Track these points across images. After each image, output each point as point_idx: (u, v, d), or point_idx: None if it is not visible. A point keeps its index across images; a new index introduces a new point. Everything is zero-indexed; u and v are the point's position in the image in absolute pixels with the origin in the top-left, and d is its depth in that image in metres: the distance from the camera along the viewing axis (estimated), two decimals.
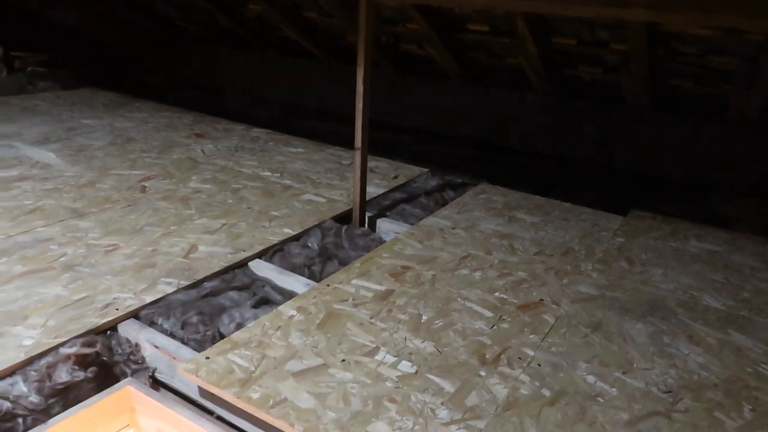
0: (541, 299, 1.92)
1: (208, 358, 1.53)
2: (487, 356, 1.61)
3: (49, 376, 1.47)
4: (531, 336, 1.72)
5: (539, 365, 1.58)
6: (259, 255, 2.16)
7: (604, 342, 1.70)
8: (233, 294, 1.90)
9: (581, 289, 2.00)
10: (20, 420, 1.38)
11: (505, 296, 1.93)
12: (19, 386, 1.43)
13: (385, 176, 3.05)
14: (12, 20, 4.31)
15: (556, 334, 1.73)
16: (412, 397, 1.43)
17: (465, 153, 3.73)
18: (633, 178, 3.33)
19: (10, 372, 1.46)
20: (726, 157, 3.11)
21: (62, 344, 1.56)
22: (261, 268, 2.09)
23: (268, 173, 2.98)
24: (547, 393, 1.47)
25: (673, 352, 1.66)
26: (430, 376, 1.51)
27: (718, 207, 2.99)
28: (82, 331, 1.61)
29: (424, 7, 3.00)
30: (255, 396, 1.40)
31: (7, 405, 1.38)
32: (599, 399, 1.46)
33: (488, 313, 1.82)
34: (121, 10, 4.89)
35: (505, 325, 1.76)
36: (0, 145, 3.12)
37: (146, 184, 2.72)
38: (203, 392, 1.51)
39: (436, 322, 1.77)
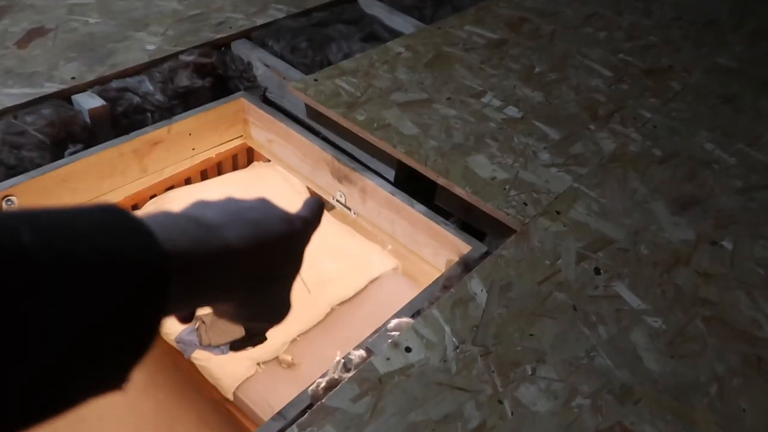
0: (670, 65, 1.75)
1: (316, 80, 1.55)
2: (599, 112, 1.53)
3: (171, 79, 1.55)
4: (651, 99, 1.60)
5: (655, 127, 1.49)
6: None
7: (734, 114, 1.56)
8: (341, 26, 1.85)
9: (720, 60, 1.79)
10: (148, 114, 1.51)
11: (629, 58, 1.76)
12: (146, 84, 1.53)
13: None
14: None
15: (680, 101, 1.59)
16: (515, 139, 1.42)
17: None
18: None
19: (138, 71, 1.56)
20: None
21: (181, 52, 1.62)
22: (370, 5, 2.00)
23: None
24: (658, 152, 1.41)
25: None
26: (536, 123, 1.47)
27: None
28: (198, 44, 1.66)
29: None
30: (360, 118, 1.43)
31: (137, 99, 1.50)
32: (714, 165, 1.39)
33: (608, 73, 1.69)
34: None
35: (624, 86, 1.64)
36: None
37: None
38: (311, 112, 1.56)
39: (550, 74, 1.67)
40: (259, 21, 1.80)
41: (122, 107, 1.47)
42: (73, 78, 1.48)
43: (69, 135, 1.38)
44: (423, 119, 1.45)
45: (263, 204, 0.48)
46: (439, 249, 1.27)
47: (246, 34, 1.76)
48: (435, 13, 2.02)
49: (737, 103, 1.60)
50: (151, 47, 1.63)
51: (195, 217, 0.41)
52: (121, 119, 1.47)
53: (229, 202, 0.46)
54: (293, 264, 0.50)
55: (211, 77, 1.61)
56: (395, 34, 1.88)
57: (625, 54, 1.79)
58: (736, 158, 1.41)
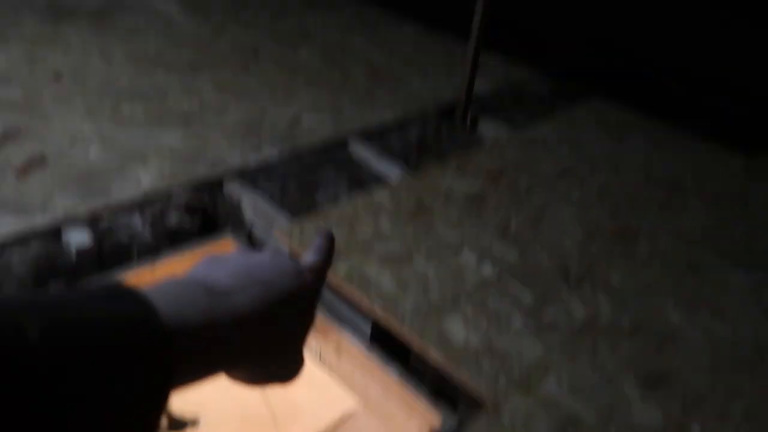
0: (638, 228, 1.85)
1: (302, 225, 1.61)
2: (571, 275, 1.60)
3: (161, 218, 1.60)
4: (621, 264, 1.67)
5: (624, 294, 1.55)
6: (359, 135, 2.18)
7: (699, 284, 1.63)
8: (330, 169, 1.95)
9: (684, 226, 1.90)
10: (134, 252, 1.54)
11: (600, 218, 1.87)
12: (136, 222, 1.58)
13: (495, 75, 2.92)
14: None
15: (648, 267, 1.67)
16: (490, 299, 1.46)
17: (584, 61, 3.47)
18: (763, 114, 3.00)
19: (130, 207, 1.61)
20: None
21: (175, 191, 1.68)
22: (359, 150, 2.12)
23: (377, 54, 2.92)
24: (627, 323, 1.46)
25: None
26: (511, 285, 1.53)
27: None
28: (193, 181, 1.73)
29: None
30: (341, 269, 1.48)
31: (125, 237, 1.54)
32: (680, 341, 1.43)
33: (580, 233, 1.78)
34: None
35: (594, 249, 1.72)
36: None
37: (259, 48, 2.75)
38: (293, 256, 1.61)
39: (525, 231, 1.75)
40: (253, 160, 1.90)
41: (110, 244, 1.51)
42: (65, 212, 1.52)
43: (53, 271, 1.40)
44: (402, 275, 1.50)
45: (274, 259, 0.47)
46: (410, 417, 1.27)
47: (238, 174, 1.84)
48: (419, 160, 2.14)
49: (702, 272, 1.68)
50: (146, 183, 1.69)
51: (204, 283, 0.41)
52: (107, 256, 1.50)
53: (240, 258, 0.46)
54: (305, 319, 0.49)
55: (200, 216, 1.67)
56: (381, 179, 1.98)
57: (596, 213, 1.89)
58: (702, 332, 1.46)
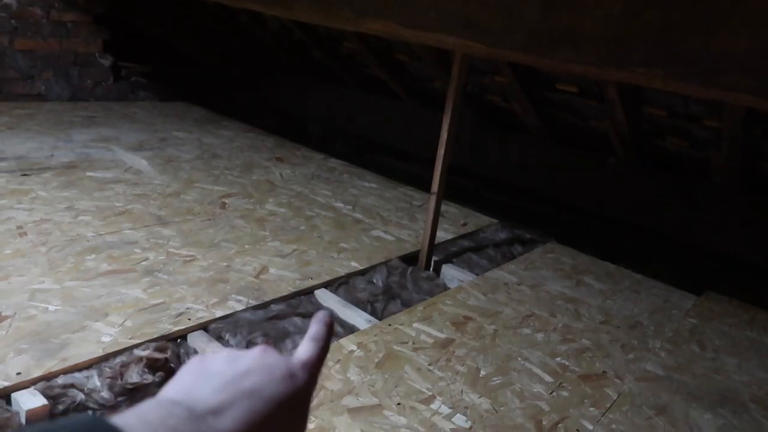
0: (604, 371, 1.87)
1: None
2: (544, 423, 1.58)
3: (122, 375, 1.54)
4: (591, 408, 1.67)
5: None
6: (326, 285, 2.21)
7: (669, 427, 1.63)
8: (297, 320, 1.95)
9: (647, 367, 1.93)
10: (90, 413, 1.45)
11: (566, 362, 1.89)
12: (94, 380, 1.51)
13: (454, 222, 3.07)
14: (120, 34, 4.66)
15: (617, 411, 1.67)
16: None
17: (537, 209, 3.70)
18: (711, 258, 3.20)
19: (88, 365, 1.55)
20: None
21: (137, 346, 1.64)
22: (326, 298, 2.13)
23: (341, 204, 3.05)
24: None
25: None
26: None
27: None
28: (155, 336, 1.70)
29: (516, 63, 3.04)
30: (310, 426, 1.42)
31: (81, 396, 1.46)
32: None
33: (548, 378, 1.79)
34: (222, 35, 5.20)
35: (564, 393, 1.72)
36: (100, 148, 3.35)
37: (226, 200, 2.85)
38: None
39: (495, 378, 1.75)
40: (218, 312, 1.88)
41: (64, 405, 1.43)
42: (18, 373, 1.45)
43: None
44: (373, 428, 1.45)
45: (263, 360, 0.45)
46: None
47: (204, 326, 1.82)
48: (386, 307, 2.16)
49: (669, 415, 1.69)
50: (106, 339, 1.65)
51: (188, 403, 0.40)
52: (59, 418, 1.41)
53: (227, 367, 0.44)
54: (297, 422, 0.46)
55: (162, 372, 1.61)
56: (348, 328, 1.98)
57: (562, 357, 1.91)
58: None
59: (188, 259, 2.20)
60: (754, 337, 2.25)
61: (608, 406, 1.69)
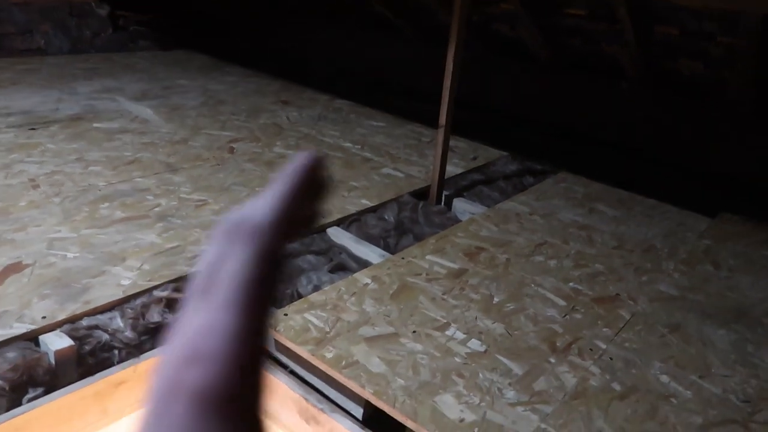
0: (617, 294, 1.88)
1: (286, 314, 1.60)
2: (557, 344, 1.60)
3: (143, 315, 1.58)
4: (604, 329, 1.69)
5: (611, 359, 1.56)
6: (337, 223, 2.22)
7: (682, 344, 1.65)
8: (311, 257, 1.97)
9: (661, 288, 1.94)
10: (116, 352, 1.50)
11: (579, 287, 1.90)
12: (117, 321, 1.55)
13: (464, 156, 3.04)
14: None
15: (631, 330, 1.69)
16: (480, 375, 1.45)
17: (548, 139, 3.65)
18: (724, 181, 3.16)
19: (110, 307, 1.59)
20: None
21: (156, 287, 1.67)
22: (338, 236, 2.15)
23: (349, 144, 3.03)
24: (617, 387, 1.46)
25: (756, 362, 1.59)
26: (499, 357, 1.53)
27: None
28: (173, 277, 1.73)
29: None
30: (329, 355, 1.46)
31: (105, 337, 1.51)
32: (672, 400, 1.43)
33: (561, 302, 1.81)
34: None
35: (578, 316, 1.74)
36: (105, 99, 3.33)
37: (234, 145, 2.84)
38: (279, 346, 1.59)
39: (508, 305, 1.77)
40: None
41: (90, 346, 1.47)
42: (43, 317, 1.50)
43: (31, 378, 1.35)
44: (390, 355, 1.49)
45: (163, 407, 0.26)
46: None
47: None
48: (398, 242, 2.17)
49: (683, 332, 1.71)
50: (126, 282, 1.68)
51: None
52: (87, 358, 1.46)
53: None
54: None
55: None
56: (362, 263, 2.00)
57: (575, 282, 1.93)
58: (692, 392, 1.46)
59: (200, 203, 2.21)
60: None
61: (621, 326, 1.71)
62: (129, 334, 1.53)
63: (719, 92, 3.04)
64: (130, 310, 1.58)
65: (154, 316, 1.58)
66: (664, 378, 1.51)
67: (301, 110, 3.55)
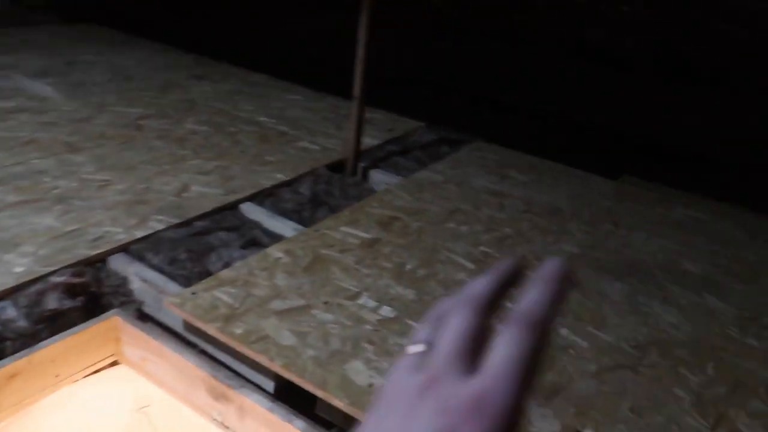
0: (524, 255, 1.96)
1: (194, 293, 1.57)
2: None
3: (39, 303, 1.51)
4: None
5: None
6: (251, 198, 2.18)
7: (581, 298, 1.74)
8: (222, 234, 1.93)
9: (565, 247, 2.03)
10: (8, 343, 1.43)
11: (489, 250, 1.96)
12: (9, 311, 1.47)
13: (381, 128, 3.05)
14: None
15: None
16: (390, 340, 1.48)
17: (465, 109, 3.71)
18: (629, 144, 3.32)
19: (1, 296, 1.50)
20: (724, 127, 3.09)
21: (52, 273, 1.60)
22: (251, 211, 2.12)
23: (265, 118, 2.97)
24: None
25: (646, 311, 1.71)
26: (410, 322, 1.56)
27: (709, 176, 3.01)
28: (72, 262, 1.65)
29: None
30: (237, 331, 1.45)
31: None
32: (570, 351, 1.52)
33: (471, 266, 1.86)
34: None
35: None
36: None
37: (142, 122, 2.72)
38: (188, 326, 1.56)
39: (419, 271, 1.81)
40: (139, 233, 1.84)
41: None
42: None
43: None
44: (301, 327, 1.49)
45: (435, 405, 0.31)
46: None
47: (124, 248, 1.78)
48: (313, 215, 2.16)
49: (583, 287, 1.80)
50: (19, 269, 1.59)
51: None
52: None
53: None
54: None
55: (83, 296, 1.59)
56: (276, 238, 1.98)
57: (485, 246, 1.99)
58: (588, 342, 1.55)
59: (103, 183, 2.11)
60: (664, 213, 2.39)
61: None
62: (23, 323, 1.45)
63: (622, 58, 3.18)
64: (23, 298, 1.50)
65: (51, 302, 1.51)
66: (564, 331, 1.59)
67: (215, 85, 3.44)
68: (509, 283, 0.34)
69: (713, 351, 1.57)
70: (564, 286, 0.33)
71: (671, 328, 1.65)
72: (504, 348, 0.30)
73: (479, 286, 0.33)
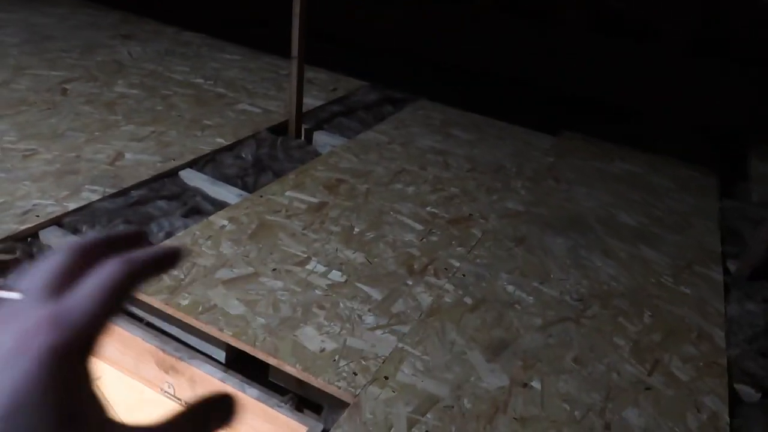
0: (470, 214, 1.98)
1: None
2: (415, 267, 1.67)
3: None
4: (458, 248, 1.78)
5: (464, 275, 1.66)
6: (190, 164, 2.10)
7: (526, 255, 1.79)
8: (162, 203, 1.86)
9: (509, 205, 2.07)
10: None
11: (436, 210, 1.98)
12: None
13: (324, 88, 2.98)
14: None
15: (481, 247, 1.80)
16: (341, 304, 1.48)
17: (407, 67, 3.67)
18: (567, 99, 3.39)
19: None
20: (656, 82, 3.20)
21: None
22: (192, 178, 2.04)
23: (201, 80, 2.84)
24: (469, 301, 1.56)
25: (587, 264, 1.78)
26: (359, 285, 1.56)
27: (645, 131, 3.12)
28: (0, 237, 1.56)
29: None
30: (184, 303, 1.41)
31: None
32: (516, 306, 1.56)
33: (419, 227, 1.88)
34: None
35: (434, 238, 1.82)
36: None
37: (67, 86, 2.55)
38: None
39: (368, 234, 1.80)
40: (72, 205, 1.75)
41: None
42: None
43: None
44: (250, 296, 1.47)
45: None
46: None
47: (56, 221, 1.69)
48: (257, 181, 2.11)
49: (527, 243, 1.85)
50: None
51: None
52: None
53: None
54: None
55: (14, 273, 1.50)
56: (219, 205, 1.93)
57: (432, 206, 2.00)
58: (533, 297, 1.60)
59: (28, 153, 1.98)
60: (602, 167, 2.47)
61: (473, 244, 1.82)
62: None
63: (559, 12, 3.21)
64: None
65: None
66: (510, 288, 1.63)
67: (144, 44, 3.25)
68: (121, 243, 0.34)
69: (649, 300, 1.65)
70: (172, 253, 0.34)
71: (610, 279, 1.72)
72: (92, 278, 0.31)
73: (87, 238, 0.33)
